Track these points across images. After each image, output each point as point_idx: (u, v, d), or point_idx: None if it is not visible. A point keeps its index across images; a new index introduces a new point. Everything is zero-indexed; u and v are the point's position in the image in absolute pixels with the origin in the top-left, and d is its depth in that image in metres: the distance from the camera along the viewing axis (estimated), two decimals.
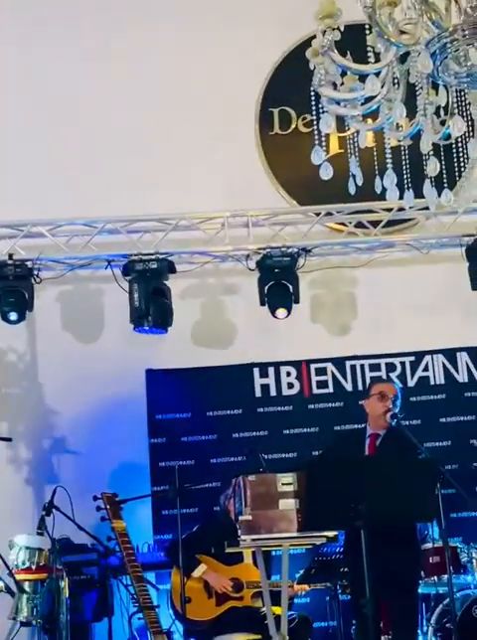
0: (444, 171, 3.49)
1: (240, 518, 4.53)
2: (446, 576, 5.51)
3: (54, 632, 5.05)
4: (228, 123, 7.27)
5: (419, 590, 5.57)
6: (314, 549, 5.96)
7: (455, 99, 3.52)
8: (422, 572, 5.78)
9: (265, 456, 5.85)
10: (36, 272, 6.79)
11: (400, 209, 6.99)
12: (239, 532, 4.59)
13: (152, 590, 5.63)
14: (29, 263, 6.76)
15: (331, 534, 4.59)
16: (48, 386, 7.03)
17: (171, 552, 5.88)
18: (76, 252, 6.91)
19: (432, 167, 3.43)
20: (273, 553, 5.83)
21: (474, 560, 5.96)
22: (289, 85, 7.23)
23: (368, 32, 3.42)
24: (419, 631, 5.62)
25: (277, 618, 4.82)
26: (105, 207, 6.83)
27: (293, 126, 7.45)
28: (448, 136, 3.57)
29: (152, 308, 6.64)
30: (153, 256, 6.78)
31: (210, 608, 5.75)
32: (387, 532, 4.74)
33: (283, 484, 4.49)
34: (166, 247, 6.91)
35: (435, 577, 5.87)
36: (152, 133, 7.19)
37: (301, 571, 6.11)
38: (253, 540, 4.55)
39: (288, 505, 4.47)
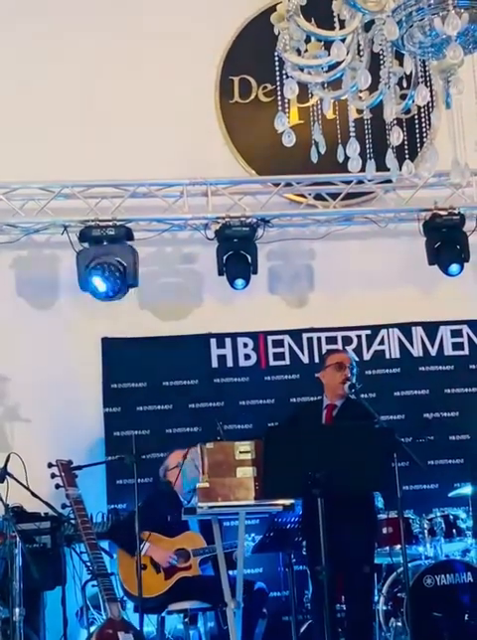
0: (406, 143, 3.48)
1: (197, 485, 4.53)
2: (399, 547, 5.57)
3: (6, 599, 5.01)
4: (188, 91, 7.18)
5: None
6: (269, 518, 5.99)
7: (418, 71, 3.51)
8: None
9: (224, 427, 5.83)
10: None
11: (360, 182, 7.01)
12: (196, 500, 4.59)
13: (106, 558, 5.60)
14: None
15: (288, 502, 4.60)
16: (1, 352, 6.92)
17: (116, 533, 5.86)
18: (31, 217, 6.82)
19: (396, 136, 3.41)
20: (227, 523, 5.82)
21: (425, 532, 6.05)
22: (251, 54, 7.16)
23: None
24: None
25: (232, 585, 4.83)
26: (63, 171, 6.73)
27: (254, 95, 7.34)
28: (409, 110, 3.57)
29: None
30: (110, 223, 6.72)
31: (160, 583, 5.70)
32: (344, 500, 4.77)
33: (241, 452, 4.49)
34: (124, 214, 6.85)
35: (388, 548, 5.93)
36: (111, 99, 7.08)
37: (256, 541, 6.11)
38: (210, 507, 4.55)
39: (246, 473, 4.47)
